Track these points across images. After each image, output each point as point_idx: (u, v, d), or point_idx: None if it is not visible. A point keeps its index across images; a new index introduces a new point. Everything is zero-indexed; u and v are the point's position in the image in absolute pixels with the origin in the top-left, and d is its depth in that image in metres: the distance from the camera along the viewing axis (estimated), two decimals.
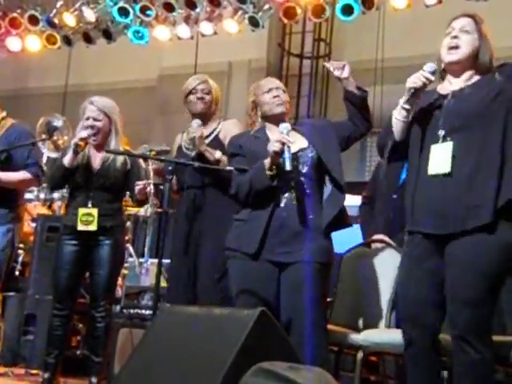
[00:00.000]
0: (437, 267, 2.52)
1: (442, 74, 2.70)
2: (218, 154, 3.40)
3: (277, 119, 3.16)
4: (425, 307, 2.52)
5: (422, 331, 2.52)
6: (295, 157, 3.00)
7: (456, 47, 2.60)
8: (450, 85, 2.66)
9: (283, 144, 2.91)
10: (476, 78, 2.62)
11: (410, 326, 2.55)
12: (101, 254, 3.60)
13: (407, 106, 2.64)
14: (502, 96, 2.53)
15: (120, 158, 3.70)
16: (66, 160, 3.62)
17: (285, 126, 2.99)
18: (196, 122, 3.47)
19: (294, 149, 3.01)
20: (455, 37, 2.60)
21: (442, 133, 2.54)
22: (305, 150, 3.10)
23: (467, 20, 2.64)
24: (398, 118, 2.68)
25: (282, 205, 3.00)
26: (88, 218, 3.58)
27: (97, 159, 3.70)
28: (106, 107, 3.72)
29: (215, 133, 3.61)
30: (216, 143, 3.56)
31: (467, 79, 2.62)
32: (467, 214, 2.44)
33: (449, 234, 2.48)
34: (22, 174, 4.04)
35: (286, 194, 3.01)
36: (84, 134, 3.61)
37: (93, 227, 3.58)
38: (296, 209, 2.99)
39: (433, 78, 2.60)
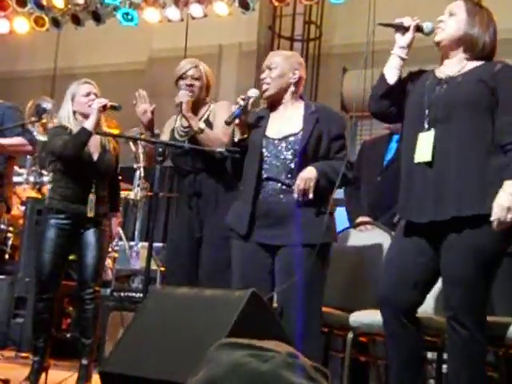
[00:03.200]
0: (420, 249, 2.54)
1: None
2: (202, 125, 3.40)
3: (270, 104, 3.12)
4: (399, 288, 2.55)
5: (392, 311, 2.56)
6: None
7: (442, 29, 2.62)
8: (445, 67, 2.64)
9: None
10: (470, 64, 2.60)
11: (382, 306, 2.61)
12: (90, 237, 3.62)
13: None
14: (489, 93, 2.49)
15: (112, 144, 3.70)
16: (90, 125, 3.51)
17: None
18: (184, 91, 3.46)
19: (283, 134, 3.00)
20: (440, 21, 2.63)
21: (427, 120, 2.55)
22: (295, 135, 3.01)
23: (457, 2, 2.65)
24: None
25: (268, 190, 2.97)
26: (91, 205, 3.60)
27: (91, 146, 3.65)
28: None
29: (205, 116, 3.60)
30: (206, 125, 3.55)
31: (458, 63, 2.61)
32: (448, 204, 2.45)
33: (430, 223, 2.49)
34: (19, 139, 3.95)
35: (271, 182, 2.98)
36: (104, 100, 3.58)
37: (92, 213, 3.60)
38: (283, 193, 2.97)
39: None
